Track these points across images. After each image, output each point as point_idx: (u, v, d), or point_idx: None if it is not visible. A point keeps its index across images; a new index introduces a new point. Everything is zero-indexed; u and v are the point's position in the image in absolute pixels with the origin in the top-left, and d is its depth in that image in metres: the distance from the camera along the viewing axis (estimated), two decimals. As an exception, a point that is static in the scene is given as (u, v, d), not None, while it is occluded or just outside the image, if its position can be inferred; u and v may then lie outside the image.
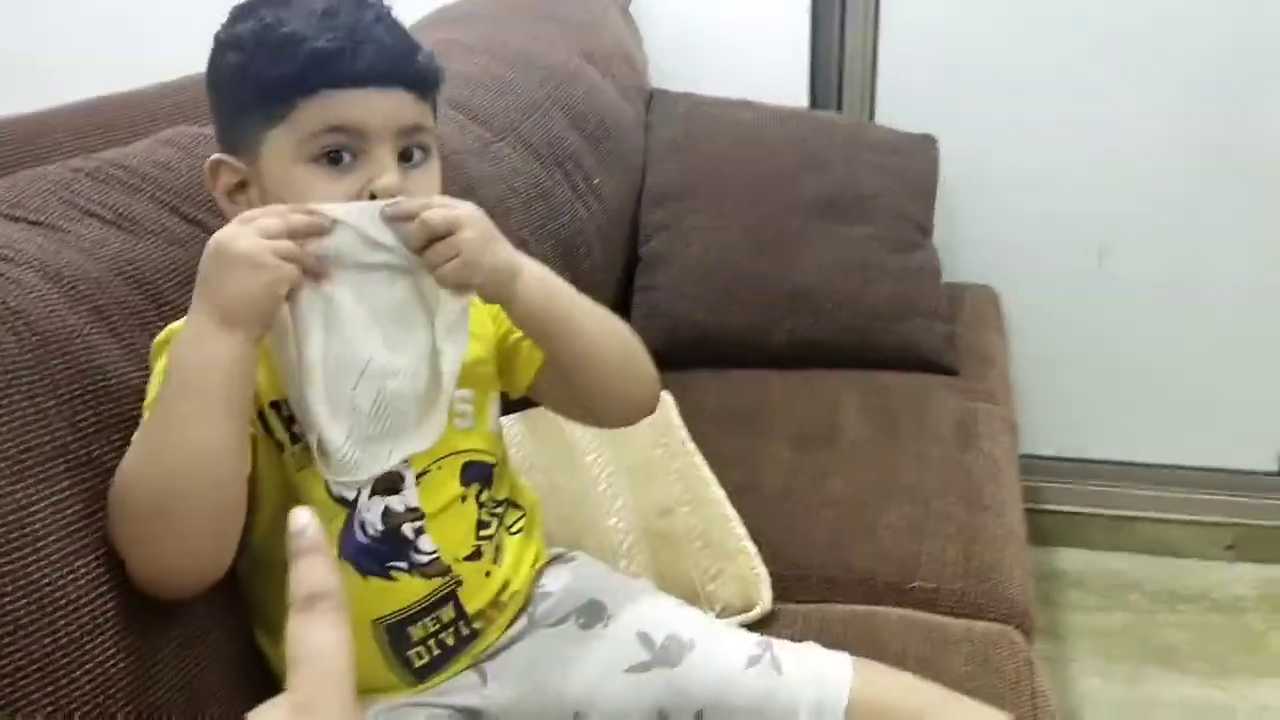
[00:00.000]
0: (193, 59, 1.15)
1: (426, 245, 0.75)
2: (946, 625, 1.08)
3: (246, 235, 0.70)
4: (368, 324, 0.76)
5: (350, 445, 0.77)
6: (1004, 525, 1.27)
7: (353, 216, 0.74)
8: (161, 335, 0.80)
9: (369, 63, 0.76)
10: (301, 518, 0.44)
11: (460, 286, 0.77)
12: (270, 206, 0.74)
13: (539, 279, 0.83)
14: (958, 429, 1.46)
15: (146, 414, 0.76)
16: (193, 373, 0.71)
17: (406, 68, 0.79)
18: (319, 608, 0.42)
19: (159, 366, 0.78)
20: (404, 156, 0.80)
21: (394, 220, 0.74)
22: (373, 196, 0.76)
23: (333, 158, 0.77)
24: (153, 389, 0.77)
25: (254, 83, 0.78)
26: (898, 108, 1.92)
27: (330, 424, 0.76)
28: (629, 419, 0.96)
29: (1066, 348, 2.01)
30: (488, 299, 0.82)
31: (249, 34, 0.78)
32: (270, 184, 0.79)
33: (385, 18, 0.80)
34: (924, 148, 1.80)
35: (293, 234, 0.71)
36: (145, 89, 1.20)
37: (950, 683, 0.97)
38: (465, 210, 0.77)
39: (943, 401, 1.53)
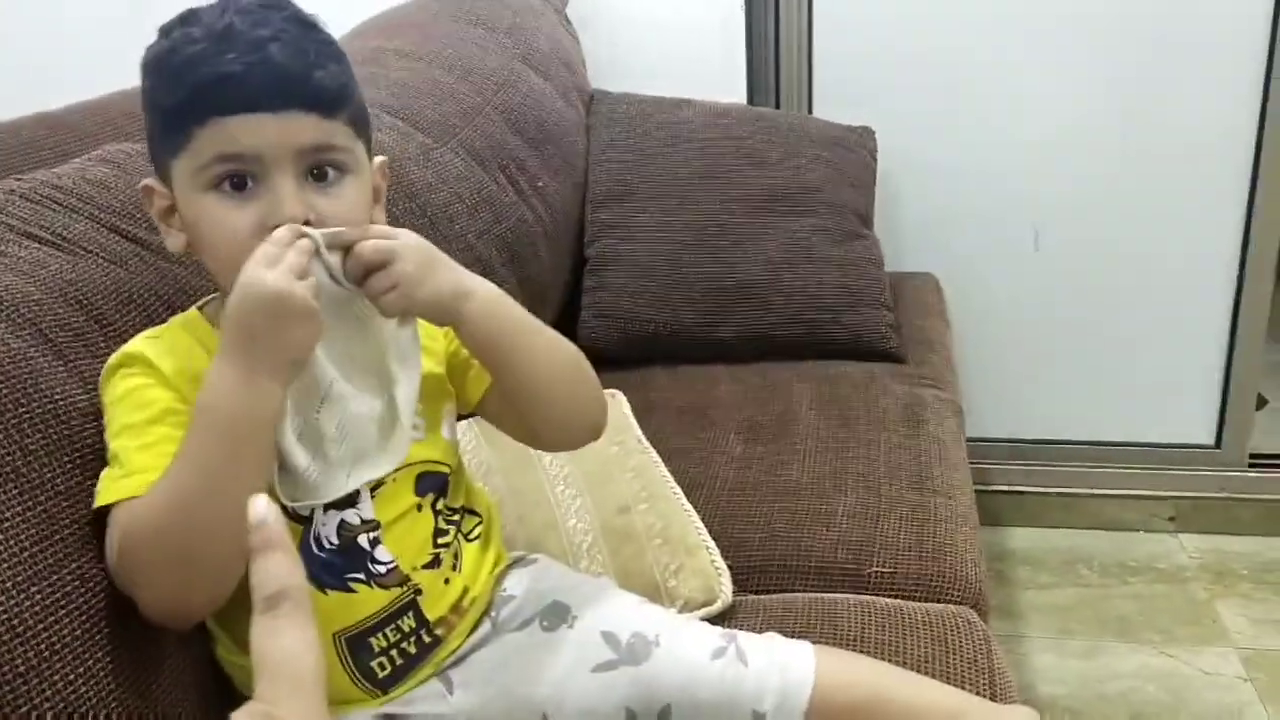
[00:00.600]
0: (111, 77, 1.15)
1: (365, 276, 0.75)
2: (903, 609, 1.09)
3: (292, 283, 0.70)
4: (326, 347, 0.76)
5: (313, 467, 0.77)
6: (954, 508, 1.29)
7: (326, 253, 0.74)
8: (114, 359, 0.79)
9: (258, 87, 0.73)
10: (259, 507, 0.43)
11: (396, 315, 0.78)
12: (281, 236, 0.72)
13: (489, 303, 0.82)
14: (906, 415, 1.48)
15: (114, 443, 0.75)
16: (238, 426, 0.70)
17: (301, 89, 0.75)
18: (282, 609, 0.41)
19: (117, 393, 0.77)
20: (318, 176, 0.77)
21: (332, 249, 0.74)
22: (274, 229, 0.75)
23: (235, 183, 0.75)
24: (116, 418, 0.76)
25: (157, 111, 0.77)
26: (834, 101, 1.95)
27: (295, 446, 0.76)
28: (573, 445, 0.96)
29: (1007, 330, 2.05)
30: (438, 323, 0.83)
31: (154, 58, 0.77)
32: (184, 212, 0.78)
33: (285, 34, 0.75)
34: (863, 139, 1.83)
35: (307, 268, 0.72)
36: (69, 107, 1.18)
37: (910, 665, 1.00)
38: (402, 241, 0.77)
39: (890, 389, 1.56)
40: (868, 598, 1.12)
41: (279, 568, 0.42)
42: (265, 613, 0.41)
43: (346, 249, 0.76)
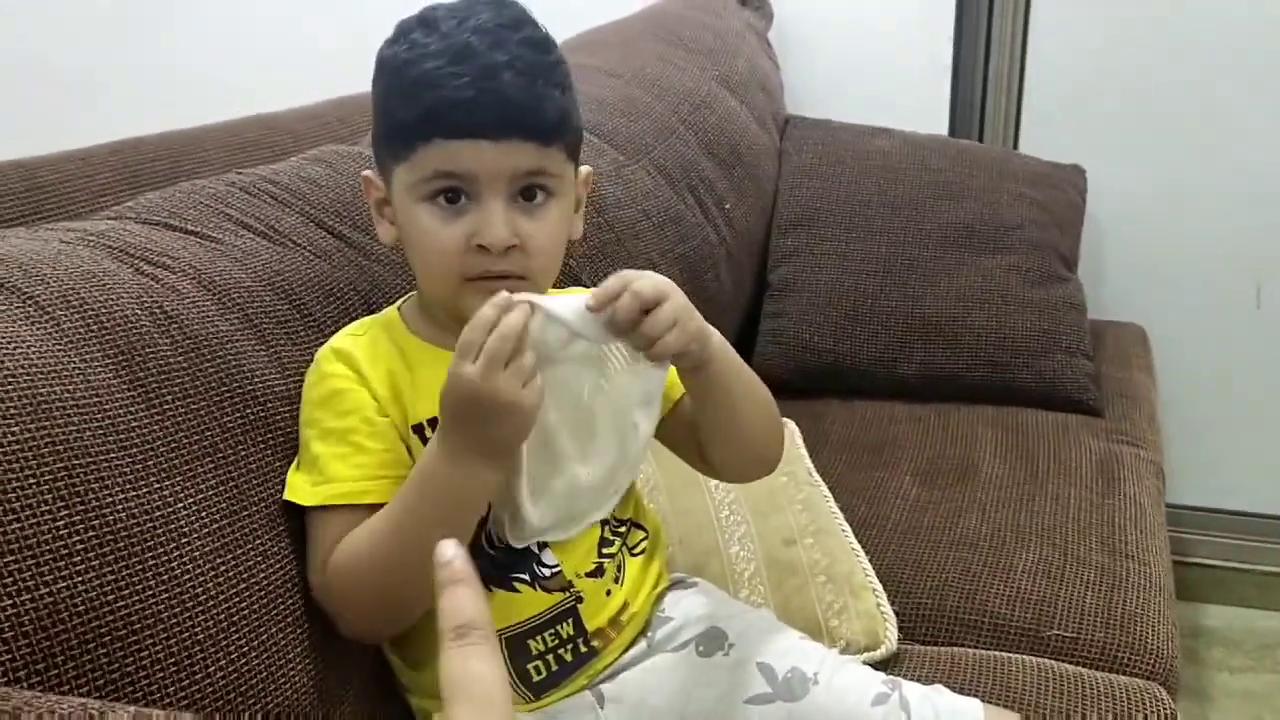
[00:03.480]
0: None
1: (638, 319, 0.74)
2: (1084, 676, 1.02)
3: (501, 381, 0.69)
4: (560, 419, 0.77)
5: (543, 521, 0.80)
6: (1149, 575, 1.20)
7: (559, 310, 0.74)
8: (325, 352, 0.83)
9: (485, 117, 0.76)
10: (448, 549, 0.44)
11: (674, 354, 0.77)
12: (484, 327, 0.70)
13: (723, 343, 0.83)
14: (1100, 471, 1.39)
15: (314, 442, 0.79)
16: (450, 498, 0.74)
17: (525, 119, 0.77)
18: (471, 638, 0.41)
19: (322, 391, 0.80)
20: (526, 195, 0.79)
21: (599, 309, 0.74)
22: (482, 248, 0.77)
23: (449, 197, 0.78)
24: (315, 418, 0.80)
25: (388, 118, 0.81)
26: (1042, 138, 1.86)
27: (530, 506, 0.78)
28: (747, 479, 0.98)
29: (1219, 391, 1.91)
30: (688, 364, 0.81)
31: (394, 64, 0.79)
32: (398, 214, 0.82)
33: (519, 61, 0.77)
34: (1071, 178, 1.74)
35: (517, 347, 0.70)
36: (286, 111, 1.26)
37: (1089, 739, 0.93)
38: (663, 279, 0.77)
39: (1084, 442, 1.46)
40: (1046, 661, 1.05)
41: (465, 602, 0.42)
42: (454, 642, 0.41)
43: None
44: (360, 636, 0.80)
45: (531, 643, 0.83)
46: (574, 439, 0.79)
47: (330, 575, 0.77)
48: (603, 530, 0.87)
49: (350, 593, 0.76)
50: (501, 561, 0.83)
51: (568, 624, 0.84)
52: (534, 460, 0.77)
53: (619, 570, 0.88)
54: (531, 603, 0.83)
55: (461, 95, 0.75)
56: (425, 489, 0.74)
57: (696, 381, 0.83)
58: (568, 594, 0.84)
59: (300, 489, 0.78)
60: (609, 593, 0.87)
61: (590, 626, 0.85)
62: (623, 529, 0.90)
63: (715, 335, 0.82)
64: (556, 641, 0.84)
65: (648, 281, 0.75)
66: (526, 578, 0.83)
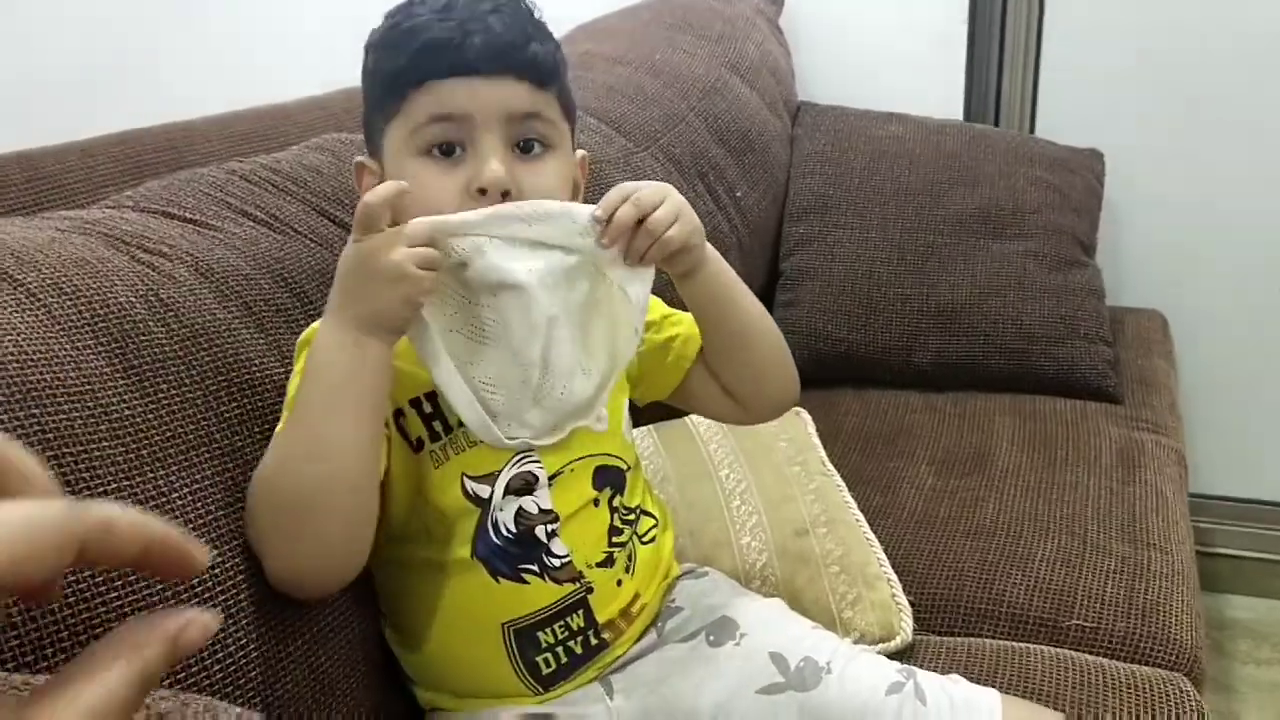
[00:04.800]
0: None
1: (639, 224, 0.75)
2: (1105, 667, 1.00)
3: (391, 247, 0.70)
4: (563, 330, 0.76)
5: (542, 424, 0.79)
6: (1171, 564, 1.17)
7: (557, 218, 0.74)
8: (305, 334, 0.81)
9: (475, 52, 0.76)
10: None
11: (677, 248, 0.77)
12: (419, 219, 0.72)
13: (715, 253, 0.84)
14: (1121, 459, 1.36)
15: (286, 413, 0.77)
16: (331, 376, 0.71)
17: (517, 55, 0.77)
18: None
19: (298, 366, 0.79)
20: (524, 148, 0.79)
21: (602, 220, 0.74)
22: (481, 192, 0.76)
23: (444, 149, 0.77)
24: (292, 387, 0.78)
25: (377, 79, 0.80)
26: (1059, 123, 1.82)
27: (532, 408, 0.78)
28: (777, 408, 0.96)
29: (1243, 380, 1.86)
30: (690, 264, 0.81)
31: (379, 33, 0.80)
32: (390, 178, 0.79)
33: (504, 8, 0.78)
34: (1089, 162, 1.71)
35: (434, 241, 0.71)
36: (291, 102, 1.24)
37: (1110, 730, 0.90)
38: (660, 184, 0.78)
39: (1104, 430, 1.44)
40: (1065, 652, 1.03)
41: None
42: None
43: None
44: (284, 585, 0.73)
45: (541, 635, 0.82)
46: (575, 347, 0.77)
47: (248, 504, 0.73)
48: (612, 518, 0.86)
49: (259, 525, 0.72)
50: (509, 552, 0.81)
51: (578, 615, 0.83)
52: (537, 367, 0.76)
53: (630, 560, 0.87)
54: (540, 594, 0.82)
55: (450, 35, 0.75)
56: (316, 372, 0.72)
57: (697, 286, 0.83)
58: (578, 585, 0.83)
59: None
60: (620, 583, 0.85)
61: (601, 618, 0.84)
62: (631, 517, 0.88)
63: (708, 245, 0.83)
64: (566, 634, 0.83)
65: (647, 191, 0.76)
66: (535, 569, 0.82)
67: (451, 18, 0.76)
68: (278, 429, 0.75)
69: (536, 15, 0.82)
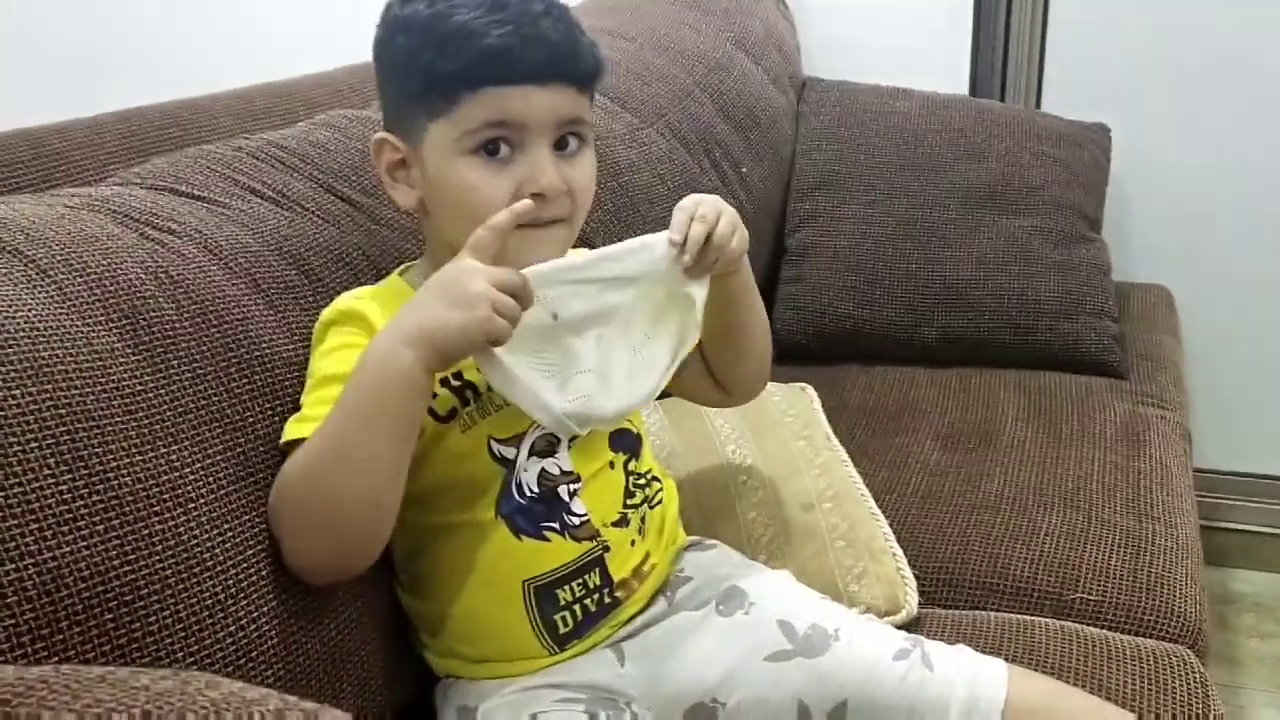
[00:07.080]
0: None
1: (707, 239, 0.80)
2: (1110, 640, 1.00)
3: (483, 278, 0.71)
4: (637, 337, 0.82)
5: (618, 413, 0.83)
6: (1176, 538, 1.17)
7: (653, 258, 0.80)
8: (328, 312, 0.82)
9: (535, 62, 0.77)
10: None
11: (739, 258, 0.85)
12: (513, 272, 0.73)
13: None
14: (1126, 433, 1.37)
15: (307, 397, 0.78)
16: (376, 392, 0.72)
17: (569, 64, 0.79)
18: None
19: (324, 347, 0.79)
20: (559, 145, 0.81)
21: (678, 243, 0.80)
22: (537, 196, 0.78)
23: (490, 149, 0.78)
24: (319, 366, 0.79)
25: (421, 73, 0.78)
26: (1066, 97, 1.81)
27: (608, 401, 0.81)
28: (755, 392, 1.01)
29: (1248, 355, 1.87)
30: (729, 270, 0.86)
31: (420, 20, 0.78)
32: (431, 170, 0.80)
33: (554, 8, 0.79)
34: (1096, 137, 1.70)
35: (520, 299, 0.72)
36: (299, 78, 1.24)
37: (1115, 702, 0.91)
38: (710, 197, 0.82)
39: (1109, 405, 1.44)
40: (1070, 624, 1.04)
41: None
42: None
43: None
44: (303, 567, 0.74)
45: (560, 592, 0.84)
46: (645, 352, 0.83)
47: (273, 493, 0.74)
48: (627, 481, 0.88)
49: (286, 508, 0.73)
50: (532, 510, 0.83)
51: (594, 573, 0.85)
52: (620, 366, 0.81)
53: (642, 522, 0.89)
54: (561, 551, 0.84)
55: (508, 42, 0.76)
56: (363, 384, 0.72)
57: (730, 287, 0.88)
58: (595, 543, 0.85)
59: (286, 431, 0.77)
60: (633, 543, 0.88)
61: (616, 577, 0.86)
62: (643, 482, 0.90)
63: None
64: (583, 591, 0.84)
65: (707, 208, 0.80)
66: (557, 526, 0.84)
67: (506, 20, 0.76)
68: (306, 412, 0.76)
69: (569, 9, 0.82)
